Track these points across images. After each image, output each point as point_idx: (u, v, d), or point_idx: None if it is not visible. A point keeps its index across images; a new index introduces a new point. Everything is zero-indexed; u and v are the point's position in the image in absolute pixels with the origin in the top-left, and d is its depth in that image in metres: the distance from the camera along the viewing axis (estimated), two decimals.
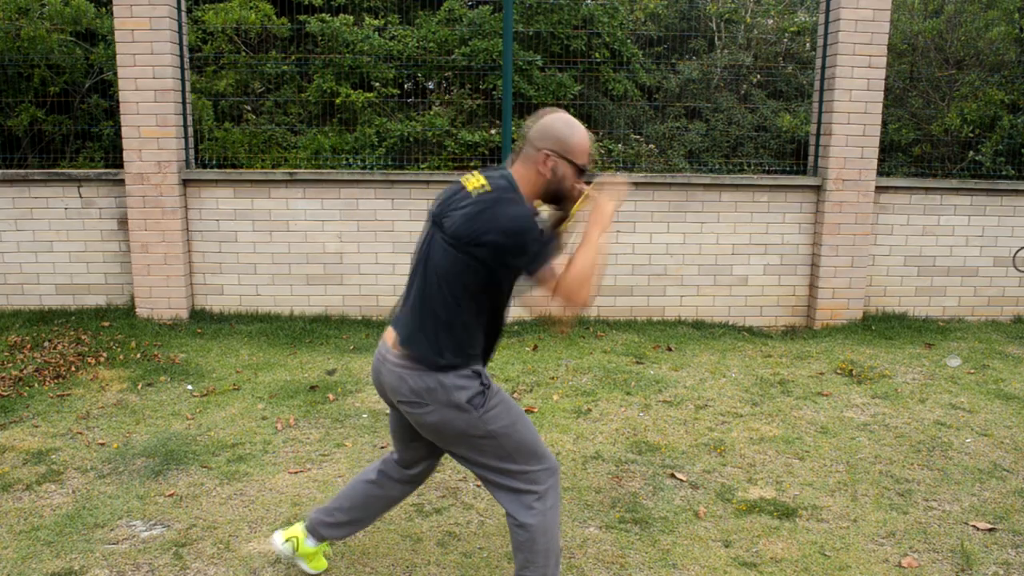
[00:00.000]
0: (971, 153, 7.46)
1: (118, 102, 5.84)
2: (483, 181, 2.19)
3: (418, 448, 2.45)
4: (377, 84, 7.67)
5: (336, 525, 2.57)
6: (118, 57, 5.61)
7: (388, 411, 2.51)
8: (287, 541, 2.61)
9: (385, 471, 2.53)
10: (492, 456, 2.24)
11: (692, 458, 3.68)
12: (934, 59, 7.87)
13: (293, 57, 7.97)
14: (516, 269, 2.11)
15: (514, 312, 6.12)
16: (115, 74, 6.36)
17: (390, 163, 7.15)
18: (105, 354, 5.05)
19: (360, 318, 6.08)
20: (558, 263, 2.15)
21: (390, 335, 2.28)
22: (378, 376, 2.29)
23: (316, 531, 2.58)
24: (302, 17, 7.68)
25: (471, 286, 2.12)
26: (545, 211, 2.29)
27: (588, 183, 2.26)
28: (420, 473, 2.53)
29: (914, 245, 6.33)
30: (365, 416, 4.17)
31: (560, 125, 2.19)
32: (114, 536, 2.92)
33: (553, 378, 4.79)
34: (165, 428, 3.97)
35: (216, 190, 5.92)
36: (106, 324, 5.67)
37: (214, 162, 6.95)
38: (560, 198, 2.24)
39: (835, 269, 6.08)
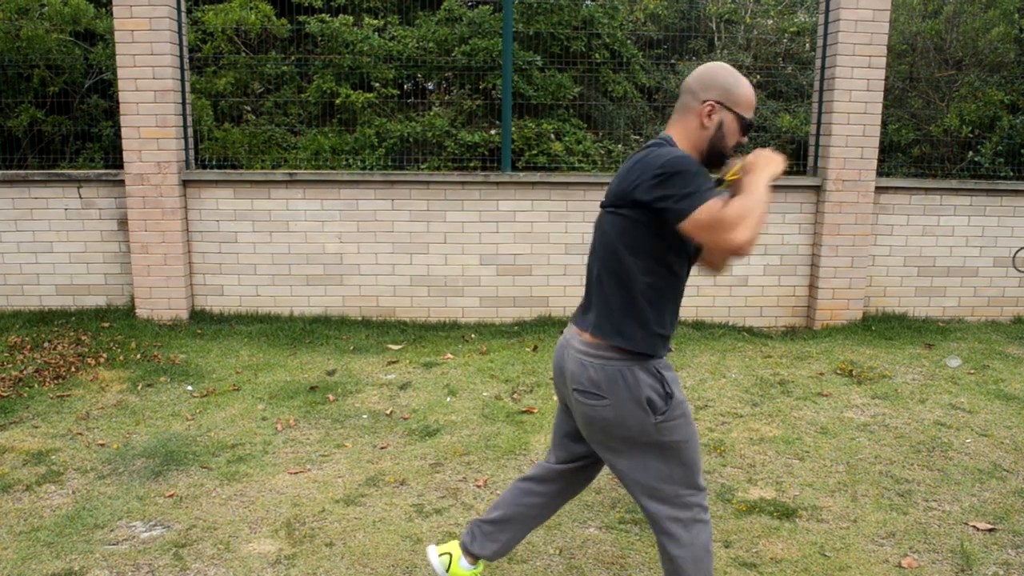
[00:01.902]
0: (971, 153, 7.46)
1: (118, 102, 5.84)
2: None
3: (576, 450, 2.31)
4: (377, 84, 7.68)
5: (490, 537, 2.40)
6: (118, 57, 5.61)
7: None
8: (442, 556, 2.45)
9: (538, 475, 2.38)
10: (652, 472, 2.06)
11: None
12: (933, 60, 7.88)
13: (293, 57, 7.97)
14: (674, 214, 1.84)
15: (514, 312, 6.12)
16: (115, 74, 6.36)
17: (390, 163, 7.15)
18: (105, 355, 5.05)
19: (360, 319, 6.08)
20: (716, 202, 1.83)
21: (573, 325, 2.15)
22: (560, 362, 2.15)
23: (469, 549, 2.41)
24: (302, 18, 7.68)
25: (641, 250, 1.96)
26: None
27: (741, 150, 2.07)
28: (575, 473, 2.34)
29: (914, 245, 6.34)
30: (365, 417, 4.17)
31: (726, 74, 2.02)
32: (114, 537, 2.92)
33: (553, 378, 4.79)
34: (165, 429, 3.97)
35: (216, 191, 5.92)
36: (106, 325, 5.67)
37: (214, 163, 6.96)
38: (722, 156, 2.05)
39: (835, 269, 6.08)
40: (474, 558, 2.44)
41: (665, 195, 1.84)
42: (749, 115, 2.03)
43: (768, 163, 1.91)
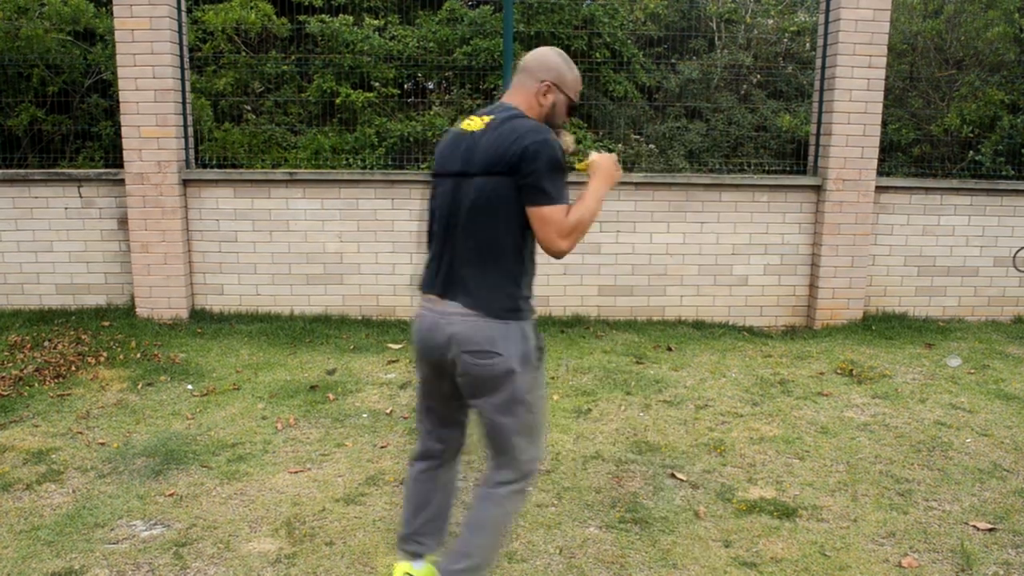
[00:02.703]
0: (971, 153, 7.46)
1: (118, 102, 5.84)
2: (488, 117, 2.20)
3: (450, 413, 2.38)
4: (377, 84, 7.67)
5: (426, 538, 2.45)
6: (118, 57, 5.61)
7: (415, 387, 2.42)
8: None
9: (425, 466, 2.44)
10: (512, 424, 2.19)
11: (692, 458, 3.68)
12: (934, 59, 7.88)
13: (293, 57, 7.97)
14: (538, 199, 2.07)
15: None
16: (115, 74, 6.36)
17: (390, 163, 7.14)
18: (105, 354, 5.05)
19: (360, 318, 6.08)
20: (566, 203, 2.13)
21: (441, 298, 2.20)
22: (433, 328, 2.20)
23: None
24: (302, 17, 7.68)
25: (515, 217, 2.12)
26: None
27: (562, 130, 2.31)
28: (455, 442, 2.44)
29: (914, 245, 6.34)
30: (365, 416, 4.17)
31: (560, 60, 2.26)
32: (114, 536, 2.92)
33: (553, 378, 4.79)
34: (165, 428, 3.97)
35: (216, 190, 5.92)
36: (106, 324, 5.67)
37: (214, 162, 6.95)
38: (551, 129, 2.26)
39: (835, 269, 6.08)
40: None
41: (547, 182, 2.06)
42: (576, 98, 2.30)
43: (610, 175, 2.23)
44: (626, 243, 6.10)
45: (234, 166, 7.04)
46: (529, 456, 2.25)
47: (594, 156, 2.26)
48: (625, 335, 5.77)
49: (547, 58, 2.24)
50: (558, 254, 2.12)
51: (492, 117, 2.18)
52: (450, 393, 2.31)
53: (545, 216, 2.07)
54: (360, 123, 7.47)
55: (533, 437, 2.25)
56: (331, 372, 4.89)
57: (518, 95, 2.24)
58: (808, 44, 9.38)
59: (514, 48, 6.24)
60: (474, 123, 2.21)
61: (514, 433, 2.21)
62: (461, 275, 2.17)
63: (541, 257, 6.08)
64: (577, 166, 2.35)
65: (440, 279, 2.22)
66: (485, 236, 2.13)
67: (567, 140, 2.25)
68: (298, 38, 8.19)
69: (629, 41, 8.28)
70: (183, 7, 5.80)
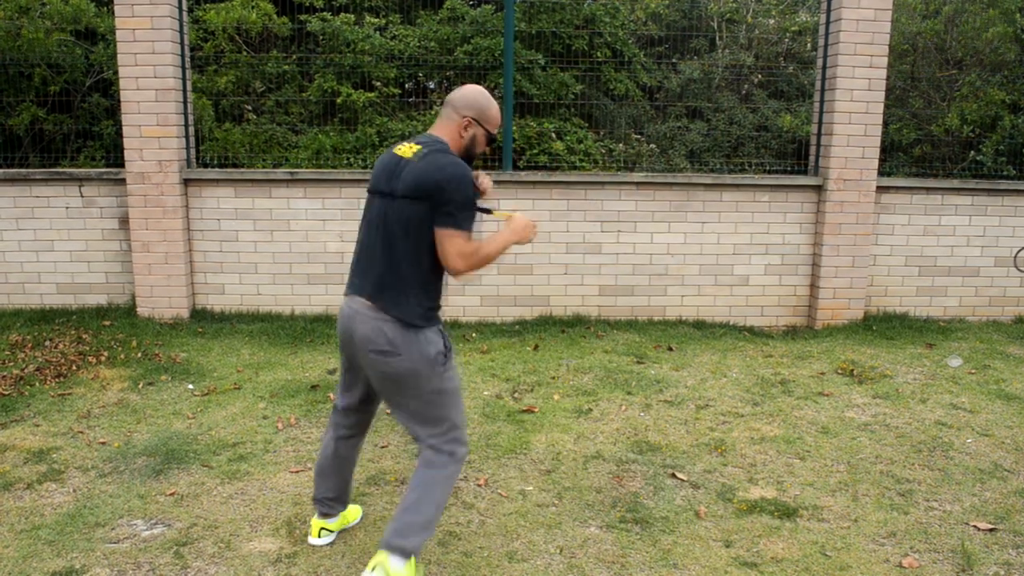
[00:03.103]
0: (972, 153, 7.46)
1: (119, 101, 5.84)
2: (418, 147, 2.48)
3: (356, 394, 2.71)
4: (378, 84, 7.67)
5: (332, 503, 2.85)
6: (119, 56, 5.62)
7: (349, 379, 2.73)
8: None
9: (336, 436, 2.78)
10: (433, 411, 2.51)
11: (693, 458, 3.68)
12: (934, 59, 7.87)
13: (294, 57, 7.97)
14: (447, 223, 2.38)
15: (515, 312, 6.12)
16: (116, 73, 6.37)
17: None
18: (106, 353, 5.05)
19: None
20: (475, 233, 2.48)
21: (359, 297, 2.51)
22: (350, 324, 2.53)
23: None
24: (303, 17, 7.68)
25: (426, 237, 2.42)
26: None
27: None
28: (361, 417, 2.78)
29: (915, 245, 6.33)
30: None
31: (482, 97, 2.55)
32: (115, 535, 2.92)
33: (554, 378, 4.79)
34: (166, 427, 3.97)
35: (217, 189, 5.92)
36: (107, 323, 5.67)
37: (215, 161, 6.95)
38: (471, 159, 2.60)
39: (836, 269, 6.08)
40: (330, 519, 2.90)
41: (458, 211, 2.39)
42: (494, 131, 2.61)
43: (522, 233, 2.56)
44: (627, 243, 6.10)
45: (235, 166, 7.04)
46: (454, 429, 2.56)
47: (517, 215, 2.60)
48: (626, 335, 5.77)
49: (469, 96, 2.54)
50: (454, 273, 2.43)
51: (420, 147, 2.47)
52: (363, 380, 2.66)
53: (449, 238, 2.39)
54: (361, 123, 7.47)
55: (437, 423, 2.53)
56: (332, 372, 4.89)
57: (443, 128, 2.55)
58: (809, 44, 9.38)
59: (515, 47, 6.24)
60: (405, 150, 2.50)
61: (417, 421, 2.53)
62: (379, 281, 2.48)
63: (541, 257, 6.09)
64: (496, 213, 2.69)
65: (360, 281, 2.54)
66: (402, 250, 2.44)
67: (484, 182, 2.59)
68: (299, 37, 8.19)
69: (630, 41, 8.28)
70: (184, 6, 5.80)
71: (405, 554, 2.42)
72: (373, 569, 2.41)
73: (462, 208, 2.38)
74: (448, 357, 2.52)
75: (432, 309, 2.50)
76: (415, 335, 2.44)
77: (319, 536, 2.87)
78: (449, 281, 6.02)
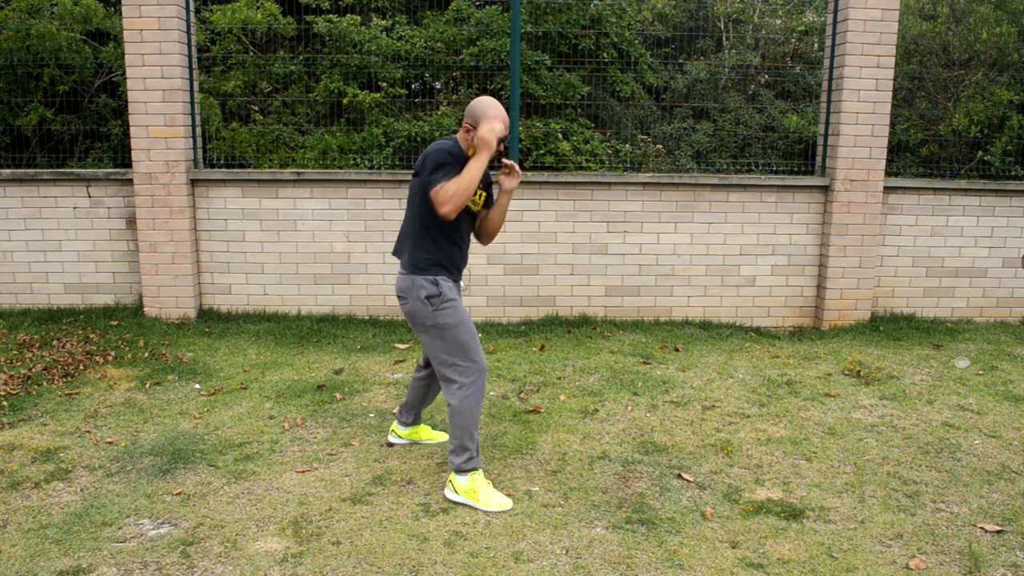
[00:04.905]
0: (980, 153, 7.43)
1: (126, 102, 5.87)
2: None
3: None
4: (384, 84, 7.68)
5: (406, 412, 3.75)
6: (127, 57, 5.64)
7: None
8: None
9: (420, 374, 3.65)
10: (437, 347, 3.18)
11: (699, 459, 3.68)
12: (940, 60, 7.84)
13: (301, 57, 7.98)
14: (426, 180, 3.04)
15: (521, 312, 6.12)
16: (124, 74, 6.39)
17: (397, 163, 7.15)
18: (113, 353, 5.07)
19: (367, 318, 6.09)
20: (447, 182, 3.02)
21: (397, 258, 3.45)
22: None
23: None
24: (309, 18, 7.70)
25: (424, 204, 3.12)
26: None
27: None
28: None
29: (922, 246, 6.31)
30: (372, 415, 4.17)
31: (479, 106, 3.14)
32: (122, 534, 2.93)
33: (560, 378, 4.79)
34: (173, 427, 3.98)
35: (224, 190, 5.93)
36: (114, 323, 5.69)
37: (222, 162, 6.97)
38: (496, 158, 3.24)
39: (843, 270, 6.06)
40: (403, 424, 3.79)
41: (430, 173, 3.05)
42: (495, 126, 3.11)
43: (484, 142, 3.03)
44: (633, 243, 6.10)
45: (242, 166, 7.06)
46: (454, 364, 3.17)
47: (477, 133, 3.08)
48: (632, 335, 5.77)
49: (471, 107, 3.15)
50: (444, 217, 3.02)
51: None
52: None
53: (432, 194, 3.03)
54: (367, 123, 7.48)
55: (442, 354, 3.17)
56: (338, 372, 4.89)
57: (460, 130, 3.22)
58: (816, 44, 9.35)
59: (521, 48, 6.24)
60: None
61: (431, 354, 3.22)
62: (398, 242, 3.28)
63: (547, 258, 6.09)
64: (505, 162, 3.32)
65: (396, 245, 3.33)
66: (408, 216, 3.22)
67: (507, 182, 3.33)
68: (306, 38, 8.21)
69: (636, 41, 8.27)
70: (192, 7, 5.82)
71: (460, 471, 3.20)
72: (445, 487, 3.27)
73: (433, 170, 3.02)
74: (439, 299, 3.13)
75: (429, 261, 3.16)
76: (411, 281, 3.16)
77: (390, 435, 3.81)
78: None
